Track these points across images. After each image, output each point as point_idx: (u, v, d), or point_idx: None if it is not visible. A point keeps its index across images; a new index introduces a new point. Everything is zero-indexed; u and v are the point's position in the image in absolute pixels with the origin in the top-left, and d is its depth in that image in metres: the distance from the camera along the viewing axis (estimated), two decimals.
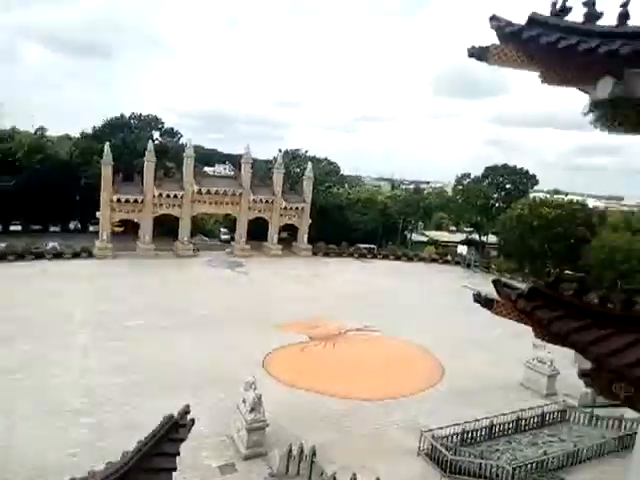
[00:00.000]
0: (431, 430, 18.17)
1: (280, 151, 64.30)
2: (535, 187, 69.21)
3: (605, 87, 4.70)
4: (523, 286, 6.37)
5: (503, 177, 65.27)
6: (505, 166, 66.51)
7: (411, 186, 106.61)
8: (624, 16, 4.59)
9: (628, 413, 19.29)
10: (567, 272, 48.57)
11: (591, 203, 76.83)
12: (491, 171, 66.16)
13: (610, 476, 17.16)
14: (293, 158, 67.48)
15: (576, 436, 20.09)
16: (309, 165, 58.51)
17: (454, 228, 74.33)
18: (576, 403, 22.51)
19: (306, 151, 70.53)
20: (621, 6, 4.58)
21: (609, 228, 52.09)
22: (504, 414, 20.09)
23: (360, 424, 19.58)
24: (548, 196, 64.88)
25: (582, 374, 6.30)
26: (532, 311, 5.98)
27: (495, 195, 64.90)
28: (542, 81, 5.26)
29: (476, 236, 67.78)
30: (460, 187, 68.51)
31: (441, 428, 18.32)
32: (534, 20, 4.78)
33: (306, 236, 56.96)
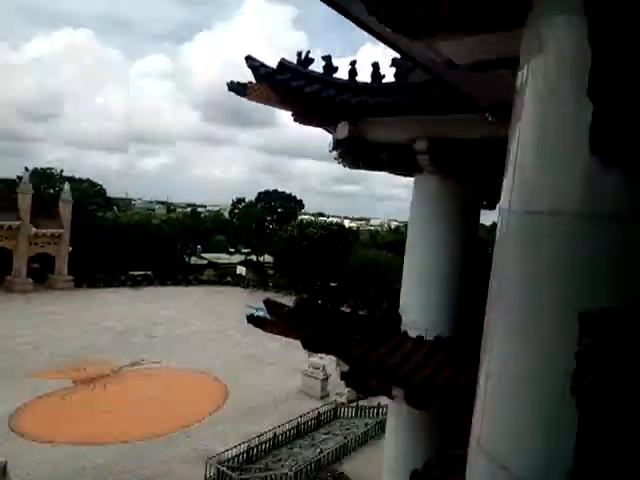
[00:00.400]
0: (217, 455, 17.94)
1: (27, 169, 54.70)
2: (302, 210, 76.83)
3: (343, 130, 5.58)
4: (291, 303, 6.96)
5: (275, 201, 70.39)
6: (276, 191, 72.00)
7: (188, 209, 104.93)
8: (353, 73, 5.55)
9: (383, 400, 22.83)
10: (332, 285, 55.22)
11: (347, 224, 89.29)
12: (264, 196, 70.67)
13: (373, 458, 19.90)
14: (45, 178, 58.71)
15: (346, 429, 22.69)
16: (66, 186, 51.58)
17: (233, 250, 76.14)
18: (345, 400, 25.48)
19: (61, 170, 62.21)
20: (350, 64, 5.53)
21: (361, 245, 61.58)
22: (286, 422, 21.32)
23: (139, 468, 17.91)
24: (313, 218, 72.97)
25: (343, 375, 7.21)
26: (298, 325, 6.57)
27: (269, 218, 69.33)
28: (294, 120, 5.92)
29: (254, 257, 70.90)
30: (236, 210, 71.06)
31: (226, 451, 18.28)
32: (284, 65, 5.37)
33: (66, 266, 49.89)
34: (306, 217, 73.59)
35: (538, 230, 1.41)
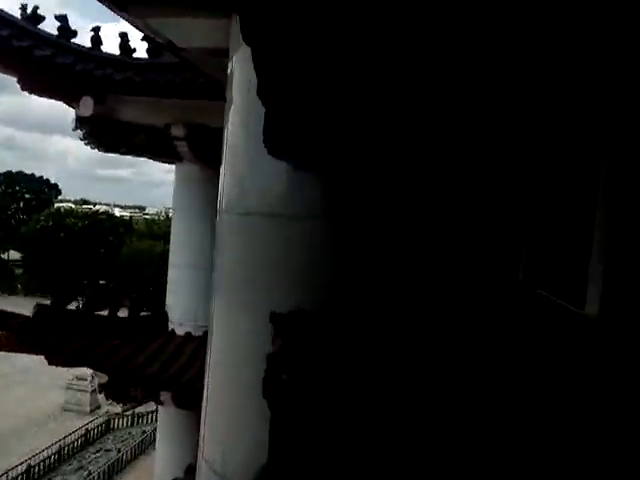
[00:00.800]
0: None
1: None
2: (60, 197, 66.55)
3: (86, 106, 4.79)
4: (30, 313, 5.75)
5: (21, 186, 59.15)
6: (22, 173, 60.55)
7: None
8: (97, 40, 4.80)
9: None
10: (101, 282, 49.56)
11: (118, 213, 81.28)
12: (5, 178, 58.66)
13: (151, 468, 18.76)
14: None
15: (121, 441, 20.75)
16: None
17: None
18: (120, 409, 23.26)
19: None
20: (93, 30, 4.76)
21: (136, 236, 56.88)
22: (44, 449, 18.23)
23: None
24: (74, 206, 63.73)
25: (102, 387, 6.38)
26: (40, 338, 5.47)
27: (13, 206, 57.96)
28: (22, 88, 4.82)
29: None
30: None
31: None
32: (3, 19, 4.26)
33: None
34: (65, 205, 63.84)
35: (240, 229, 1.37)
